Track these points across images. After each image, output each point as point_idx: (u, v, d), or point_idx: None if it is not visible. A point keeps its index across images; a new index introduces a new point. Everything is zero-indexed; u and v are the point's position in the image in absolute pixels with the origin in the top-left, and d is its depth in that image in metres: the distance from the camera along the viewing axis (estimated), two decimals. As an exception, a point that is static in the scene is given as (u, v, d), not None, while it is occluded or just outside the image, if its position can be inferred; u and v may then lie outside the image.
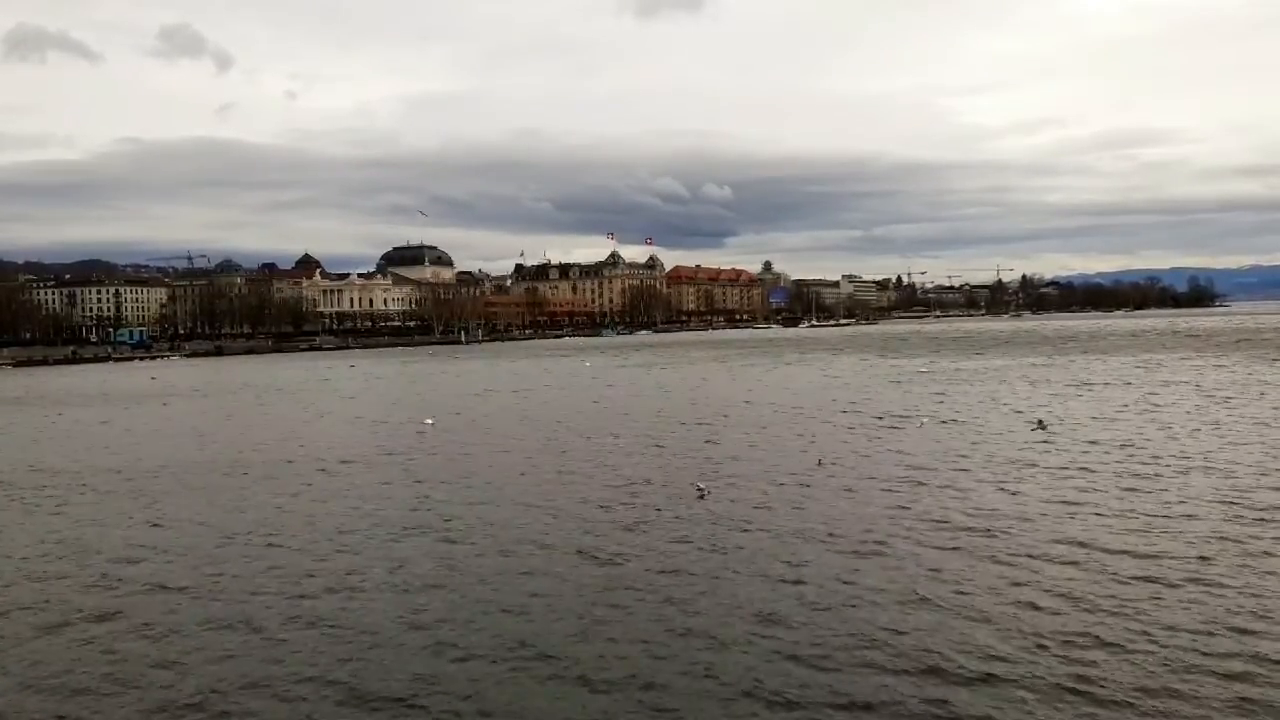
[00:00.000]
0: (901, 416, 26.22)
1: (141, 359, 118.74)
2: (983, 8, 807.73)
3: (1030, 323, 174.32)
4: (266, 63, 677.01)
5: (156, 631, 9.82)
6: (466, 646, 8.97)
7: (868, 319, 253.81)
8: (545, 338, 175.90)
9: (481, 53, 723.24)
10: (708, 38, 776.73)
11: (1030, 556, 11.28)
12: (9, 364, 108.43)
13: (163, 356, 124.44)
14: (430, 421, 28.47)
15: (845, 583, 10.50)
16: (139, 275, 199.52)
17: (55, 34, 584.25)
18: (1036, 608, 9.50)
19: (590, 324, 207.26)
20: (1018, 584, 10.26)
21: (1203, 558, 10.92)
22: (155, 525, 15.14)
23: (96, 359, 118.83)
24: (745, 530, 13.12)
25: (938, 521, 13.18)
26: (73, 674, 8.73)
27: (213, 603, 10.72)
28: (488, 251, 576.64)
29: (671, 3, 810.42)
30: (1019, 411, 26.53)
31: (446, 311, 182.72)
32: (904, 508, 14.15)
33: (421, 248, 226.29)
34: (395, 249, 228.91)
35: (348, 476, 19.37)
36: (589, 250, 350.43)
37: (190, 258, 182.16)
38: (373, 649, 9.05)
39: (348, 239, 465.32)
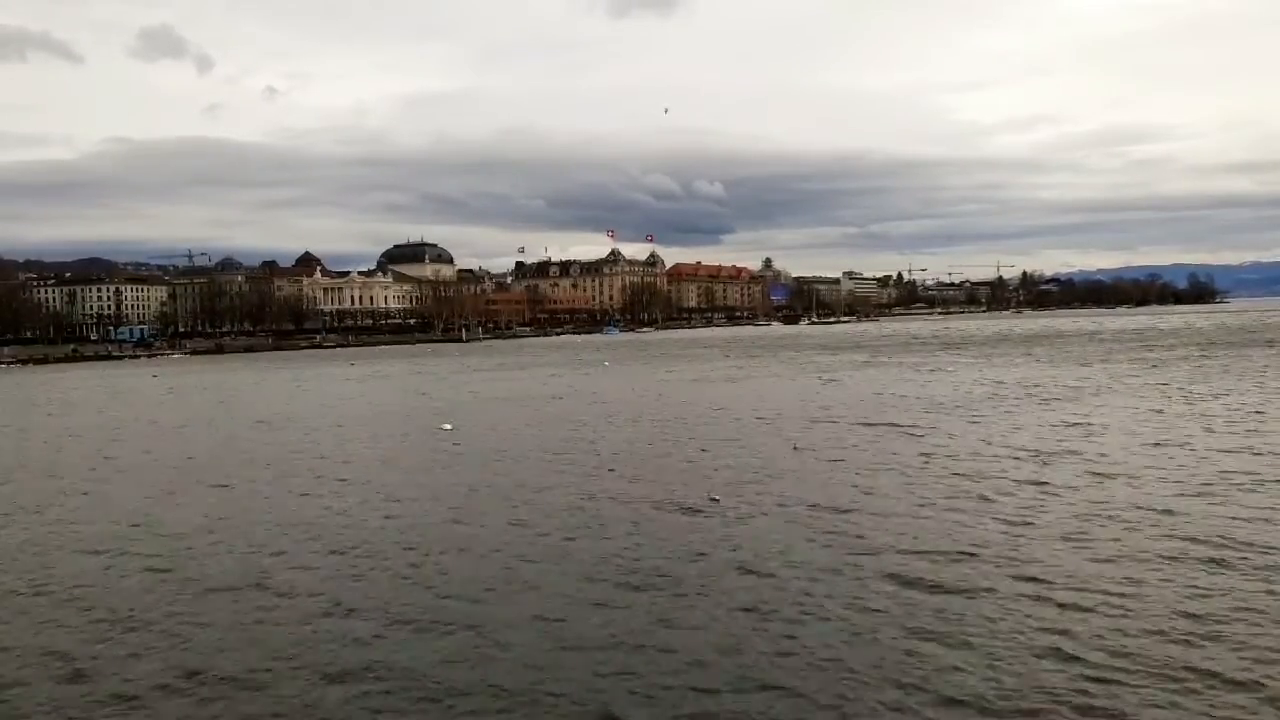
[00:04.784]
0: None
1: (143, 356, 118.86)
2: (977, 5, 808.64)
3: (1037, 320, 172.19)
4: (260, 62, 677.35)
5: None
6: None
7: (868, 316, 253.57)
8: (547, 335, 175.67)
9: (476, 51, 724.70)
10: (696, 36, 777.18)
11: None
12: (11, 362, 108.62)
13: (164, 354, 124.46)
14: (449, 426, 27.57)
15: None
16: (139, 273, 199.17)
17: (37, 34, 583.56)
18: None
19: (591, 321, 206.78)
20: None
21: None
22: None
23: (98, 357, 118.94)
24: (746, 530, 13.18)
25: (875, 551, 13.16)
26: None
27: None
28: (483, 249, 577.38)
29: (642, 3, 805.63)
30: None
31: (447, 309, 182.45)
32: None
33: (422, 245, 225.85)
34: (396, 246, 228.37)
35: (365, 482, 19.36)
36: (586, 247, 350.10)
37: (190, 255, 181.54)
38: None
39: (348, 237, 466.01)
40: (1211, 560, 10.83)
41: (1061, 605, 9.51)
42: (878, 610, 9.57)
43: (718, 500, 15.19)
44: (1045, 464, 17.44)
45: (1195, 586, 9.94)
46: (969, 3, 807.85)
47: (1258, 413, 24.01)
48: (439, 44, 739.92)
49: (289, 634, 9.59)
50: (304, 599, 10.75)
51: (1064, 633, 8.74)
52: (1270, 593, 9.63)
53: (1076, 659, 8.13)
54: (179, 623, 10.06)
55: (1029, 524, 12.84)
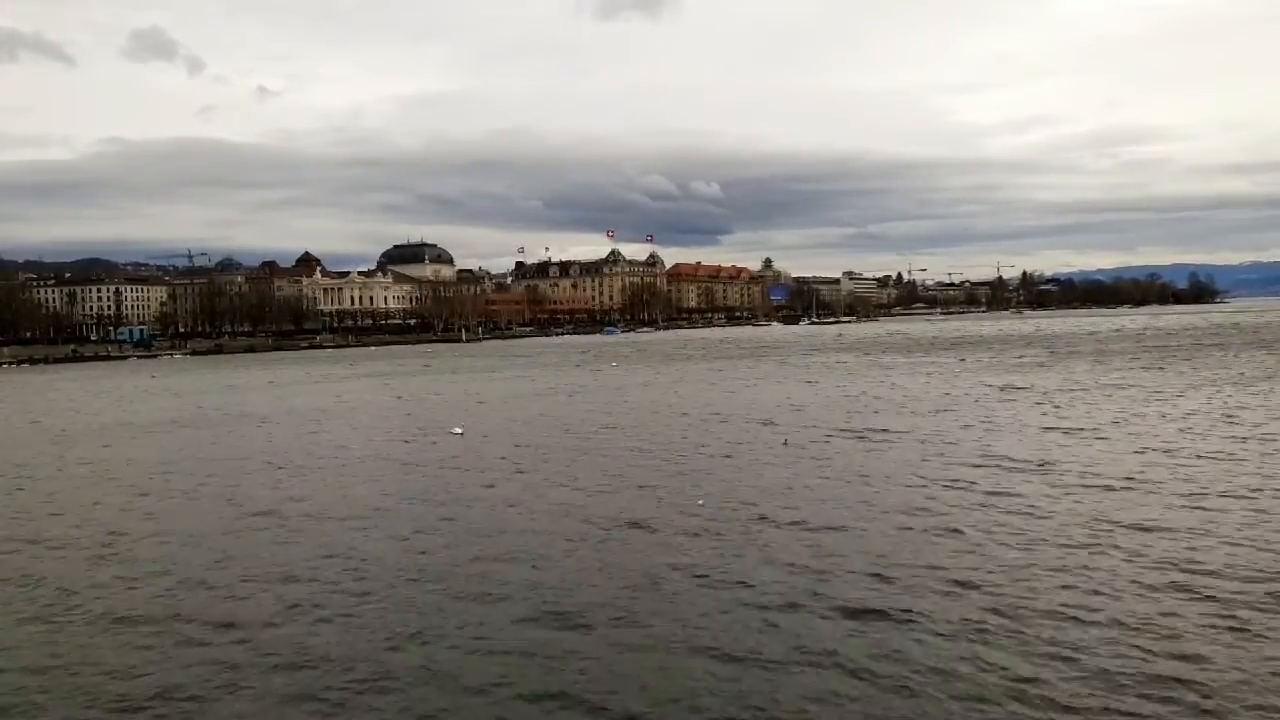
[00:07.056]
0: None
1: (142, 357, 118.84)
2: (975, 6, 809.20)
3: (1039, 321, 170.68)
4: (257, 64, 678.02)
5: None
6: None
7: (868, 316, 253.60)
8: (547, 335, 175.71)
9: (471, 52, 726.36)
10: (692, 37, 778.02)
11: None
12: (11, 362, 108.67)
13: (163, 355, 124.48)
14: (459, 431, 27.07)
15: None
16: (139, 274, 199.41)
17: (29, 35, 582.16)
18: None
19: (591, 321, 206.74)
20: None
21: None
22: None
23: (97, 357, 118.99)
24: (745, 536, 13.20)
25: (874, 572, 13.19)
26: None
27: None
28: (481, 249, 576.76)
29: (630, 5, 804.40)
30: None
31: (447, 310, 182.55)
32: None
33: (422, 245, 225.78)
34: (396, 247, 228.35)
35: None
36: (585, 248, 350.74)
37: (190, 256, 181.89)
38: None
39: (347, 237, 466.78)
40: (1191, 585, 10.49)
41: (1032, 638, 8.91)
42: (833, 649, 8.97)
43: (702, 504, 15.32)
44: (1039, 474, 17.34)
45: (1177, 616, 9.39)
46: (966, 4, 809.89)
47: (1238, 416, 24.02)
48: (434, 46, 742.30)
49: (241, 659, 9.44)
50: (294, 617, 10.83)
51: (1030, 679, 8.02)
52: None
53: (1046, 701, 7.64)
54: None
55: (1005, 544, 12.52)
